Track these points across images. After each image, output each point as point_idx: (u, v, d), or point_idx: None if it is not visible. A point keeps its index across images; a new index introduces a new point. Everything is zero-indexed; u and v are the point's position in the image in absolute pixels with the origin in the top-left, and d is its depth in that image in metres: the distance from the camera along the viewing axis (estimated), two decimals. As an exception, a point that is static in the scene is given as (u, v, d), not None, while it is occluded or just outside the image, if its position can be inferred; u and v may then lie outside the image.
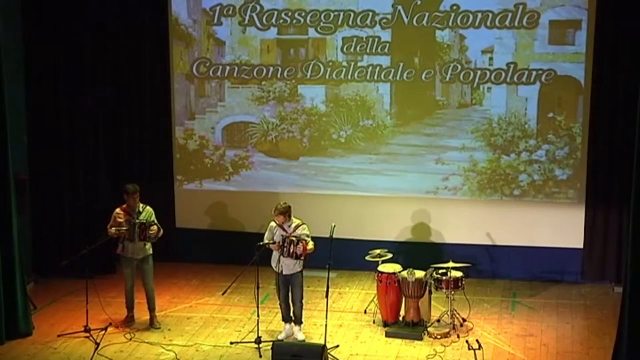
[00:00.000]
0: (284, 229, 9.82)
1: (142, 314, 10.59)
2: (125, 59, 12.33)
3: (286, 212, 9.81)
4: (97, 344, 9.50)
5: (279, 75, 12.15)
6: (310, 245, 9.79)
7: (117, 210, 10.29)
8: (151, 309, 10.44)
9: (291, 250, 9.68)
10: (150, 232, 10.13)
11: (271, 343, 9.25)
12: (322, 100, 12.11)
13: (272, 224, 9.94)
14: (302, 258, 9.79)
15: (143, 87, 12.44)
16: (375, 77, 11.89)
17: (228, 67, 12.27)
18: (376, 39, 11.80)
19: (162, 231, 10.29)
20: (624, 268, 9.27)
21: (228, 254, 12.28)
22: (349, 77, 11.96)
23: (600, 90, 11.30)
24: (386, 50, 11.81)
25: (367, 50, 11.87)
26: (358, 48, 11.89)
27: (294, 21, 11.99)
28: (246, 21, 12.11)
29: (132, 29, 12.27)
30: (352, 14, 11.80)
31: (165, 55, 12.37)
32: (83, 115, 12.10)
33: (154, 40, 12.34)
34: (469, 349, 8.68)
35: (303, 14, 11.94)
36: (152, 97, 12.46)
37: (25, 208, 10.83)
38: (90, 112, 12.12)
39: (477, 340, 8.79)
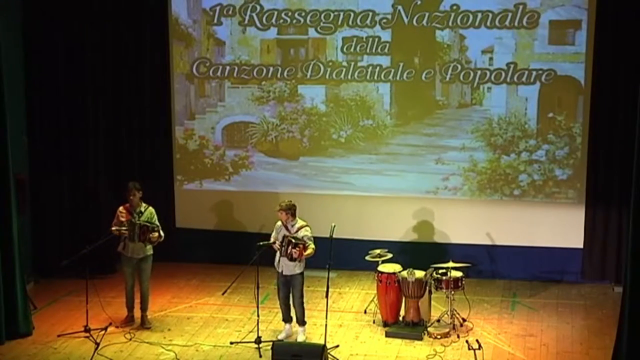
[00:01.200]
0: (287, 229, 9.83)
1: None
2: (125, 59, 12.33)
3: (289, 210, 9.80)
4: (97, 344, 9.51)
5: (279, 75, 12.15)
6: (309, 250, 9.72)
7: (120, 208, 10.30)
8: (143, 309, 10.44)
9: (288, 251, 9.67)
10: (151, 236, 10.12)
11: (271, 343, 9.26)
12: (322, 100, 12.11)
13: (279, 223, 9.93)
14: (299, 261, 9.78)
15: (143, 87, 12.44)
16: (375, 77, 11.89)
17: (228, 67, 12.27)
18: (376, 39, 11.80)
19: (163, 237, 10.28)
20: (624, 268, 9.26)
21: (228, 254, 12.30)
22: (349, 77, 11.96)
23: (600, 90, 11.30)
24: (386, 50, 11.81)
25: (367, 50, 11.87)
26: (358, 48, 11.89)
27: (294, 21, 11.99)
28: (246, 21, 12.11)
29: (132, 29, 12.27)
30: (352, 14, 11.80)
31: (165, 55, 12.38)
32: (83, 115, 12.08)
33: (153, 40, 12.35)
34: (469, 349, 8.68)
35: (303, 14, 11.94)
36: (152, 97, 12.46)
37: (25, 208, 10.80)
38: (90, 112, 12.10)
39: (477, 340, 8.80)
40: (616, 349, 9.01)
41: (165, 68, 12.39)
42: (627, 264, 8.82)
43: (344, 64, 11.96)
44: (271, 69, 12.14)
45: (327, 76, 12.01)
